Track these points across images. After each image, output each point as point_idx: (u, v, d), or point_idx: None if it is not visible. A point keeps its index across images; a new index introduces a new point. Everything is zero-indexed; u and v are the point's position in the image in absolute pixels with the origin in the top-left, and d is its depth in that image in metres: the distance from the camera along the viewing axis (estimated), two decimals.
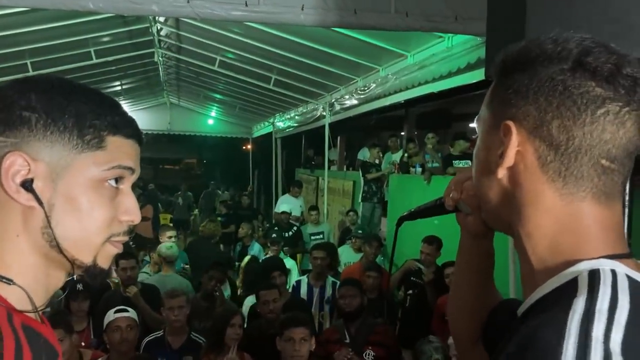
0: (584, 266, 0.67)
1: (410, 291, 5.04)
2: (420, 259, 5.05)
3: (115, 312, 3.58)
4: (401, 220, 1.11)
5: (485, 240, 0.99)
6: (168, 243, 6.33)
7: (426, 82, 5.67)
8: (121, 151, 0.82)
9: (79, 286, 4.37)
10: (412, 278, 5.08)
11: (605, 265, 0.66)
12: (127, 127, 0.84)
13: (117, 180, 0.82)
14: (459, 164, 6.25)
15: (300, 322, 3.29)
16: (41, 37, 6.72)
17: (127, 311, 3.61)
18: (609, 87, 0.69)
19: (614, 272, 0.65)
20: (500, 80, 0.77)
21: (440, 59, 5.28)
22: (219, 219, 10.59)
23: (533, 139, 0.72)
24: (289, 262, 7.18)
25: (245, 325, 4.00)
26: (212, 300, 4.58)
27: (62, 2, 3.75)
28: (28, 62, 7.50)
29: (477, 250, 1.01)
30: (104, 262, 0.84)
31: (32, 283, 0.80)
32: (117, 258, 4.80)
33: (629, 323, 0.59)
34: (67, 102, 0.80)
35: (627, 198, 1.70)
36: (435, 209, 1.02)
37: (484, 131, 0.80)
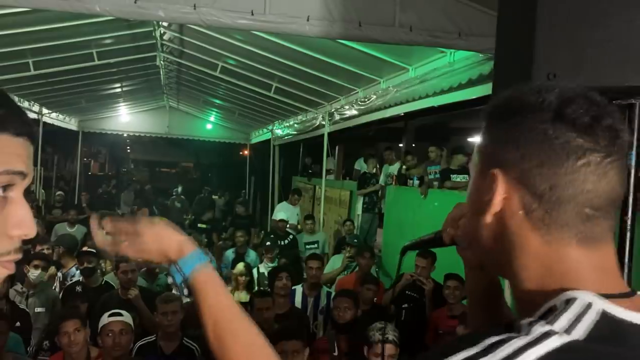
0: (564, 296, 0.69)
1: (406, 305, 5.03)
2: (415, 273, 5.06)
3: (109, 315, 3.56)
4: (405, 250, 1.15)
5: (485, 270, 1.00)
6: None
7: (427, 96, 5.71)
8: (8, 152, 0.66)
9: (78, 288, 4.36)
10: (407, 292, 5.08)
11: (587, 298, 0.67)
12: (15, 122, 0.67)
13: (4, 187, 0.67)
14: (457, 178, 6.27)
15: (292, 334, 3.27)
16: (44, 37, 6.74)
17: (121, 315, 3.60)
18: (589, 138, 0.70)
19: (588, 305, 0.66)
20: (488, 129, 0.80)
21: (441, 74, 5.31)
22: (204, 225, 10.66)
23: (518, 187, 0.73)
24: (251, 255, 7.44)
25: None
26: None
27: (69, 4, 3.77)
28: (30, 61, 7.52)
29: (479, 280, 1.03)
30: None
31: None
32: (117, 261, 4.79)
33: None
34: None
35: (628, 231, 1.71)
36: (436, 241, 1.05)
37: (475, 175, 0.82)
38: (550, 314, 0.67)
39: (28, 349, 4.12)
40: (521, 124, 0.73)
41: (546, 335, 0.64)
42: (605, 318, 0.65)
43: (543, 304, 0.70)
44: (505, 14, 1.66)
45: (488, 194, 0.76)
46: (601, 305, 0.66)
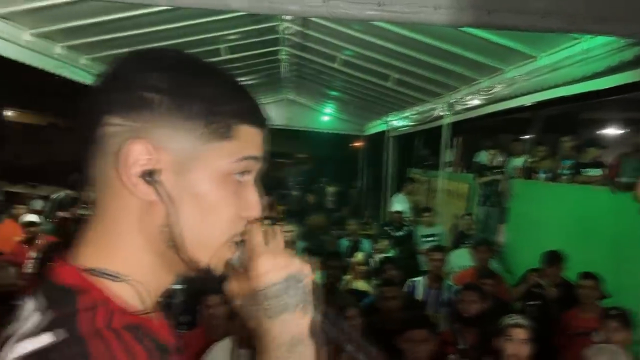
0: None
1: (531, 302, 4.86)
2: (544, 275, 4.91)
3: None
4: None
5: None
6: None
7: (557, 85, 5.44)
8: (249, 140, 0.73)
9: None
10: (532, 289, 4.90)
11: None
12: (256, 114, 0.75)
13: (242, 173, 0.74)
14: (589, 172, 5.91)
15: (421, 323, 3.29)
16: (176, 34, 7.18)
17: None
18: None
19: None
20: None
21: (575, 62, 5.03)
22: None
23: None
24: (366, 244, 7.58)
25: None
26: (332, 291, 4.68)
27: (207, 2, 3.98)
28: None
29: None
30: (218, 266, 0.74)
31: (141, 284, 0.71)
32: None
33: None
34: (193, 84, 0.70)
35: None
36: None
37: None
38: None
39: None
40: None
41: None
42: None
43: None
44: None
45: None
46: None
